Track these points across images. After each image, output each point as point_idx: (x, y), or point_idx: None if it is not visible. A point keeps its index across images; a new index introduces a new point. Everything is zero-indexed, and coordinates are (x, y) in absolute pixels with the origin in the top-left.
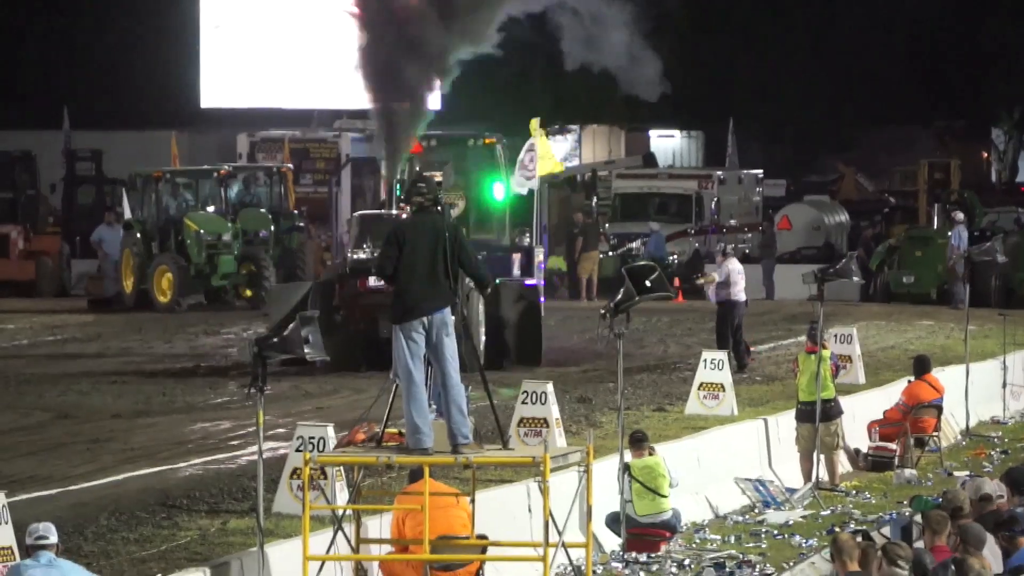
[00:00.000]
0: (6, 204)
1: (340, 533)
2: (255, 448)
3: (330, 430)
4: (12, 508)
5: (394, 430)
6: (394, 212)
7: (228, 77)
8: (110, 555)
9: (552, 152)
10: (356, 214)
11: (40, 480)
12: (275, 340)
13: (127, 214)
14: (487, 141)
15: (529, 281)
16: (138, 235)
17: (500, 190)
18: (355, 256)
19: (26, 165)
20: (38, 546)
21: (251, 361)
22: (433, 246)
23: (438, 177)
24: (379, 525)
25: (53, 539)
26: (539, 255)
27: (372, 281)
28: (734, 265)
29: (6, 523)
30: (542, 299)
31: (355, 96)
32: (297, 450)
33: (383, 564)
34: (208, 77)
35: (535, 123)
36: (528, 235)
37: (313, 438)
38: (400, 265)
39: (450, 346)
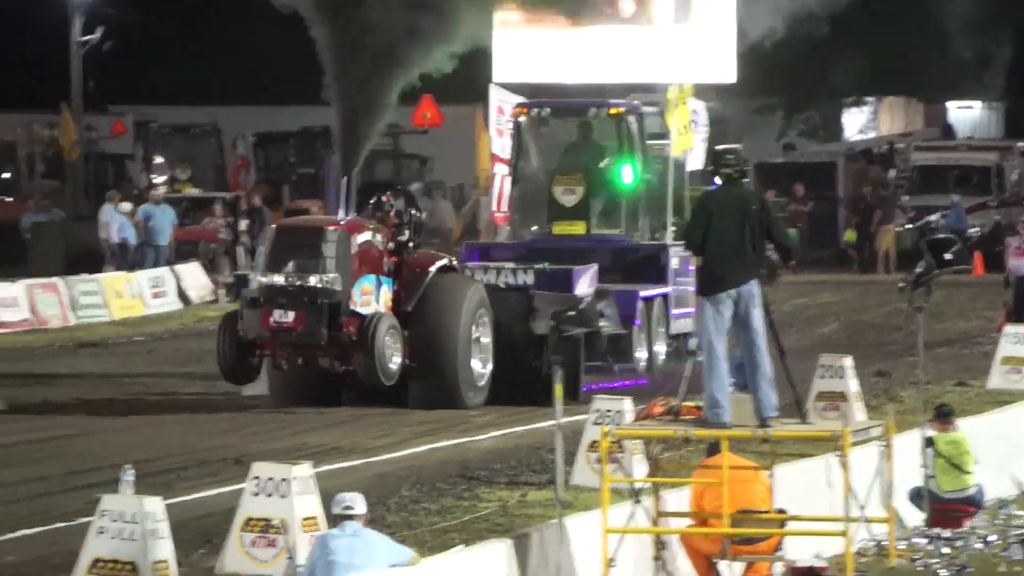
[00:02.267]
0: (308, 179)
1: (639, 506)
2: (553, 421)
3: (627, 403)
4: (317, 478)
5: (691, 403)
6: (338, 217)
7: (518, 51)
8: (412, 526)
9: (688, 126)
10: (275, 224)
11: (343, 452)
12: (573, 314)
13: None
14: (613, 111)
15: (649, 291)
16: None
17: (628, 173)
18: (263, 279)
19: (327, 140)
20: (345, 516)
21: (548, 335)
22: (741, 218)
23: (740, 146)
24: (677, 499)
25: (360, 509)
26: (673, 258)
27: (278, 315)
28: None
29: (312, 493)
30: (636, 322)
31: (645, 69)
32: (595, 423)
33: (683, 537)
34: (500, 52)
35: (677, 90)
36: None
37: (610, 411)
38: (708, 237)
39: (757, 318)
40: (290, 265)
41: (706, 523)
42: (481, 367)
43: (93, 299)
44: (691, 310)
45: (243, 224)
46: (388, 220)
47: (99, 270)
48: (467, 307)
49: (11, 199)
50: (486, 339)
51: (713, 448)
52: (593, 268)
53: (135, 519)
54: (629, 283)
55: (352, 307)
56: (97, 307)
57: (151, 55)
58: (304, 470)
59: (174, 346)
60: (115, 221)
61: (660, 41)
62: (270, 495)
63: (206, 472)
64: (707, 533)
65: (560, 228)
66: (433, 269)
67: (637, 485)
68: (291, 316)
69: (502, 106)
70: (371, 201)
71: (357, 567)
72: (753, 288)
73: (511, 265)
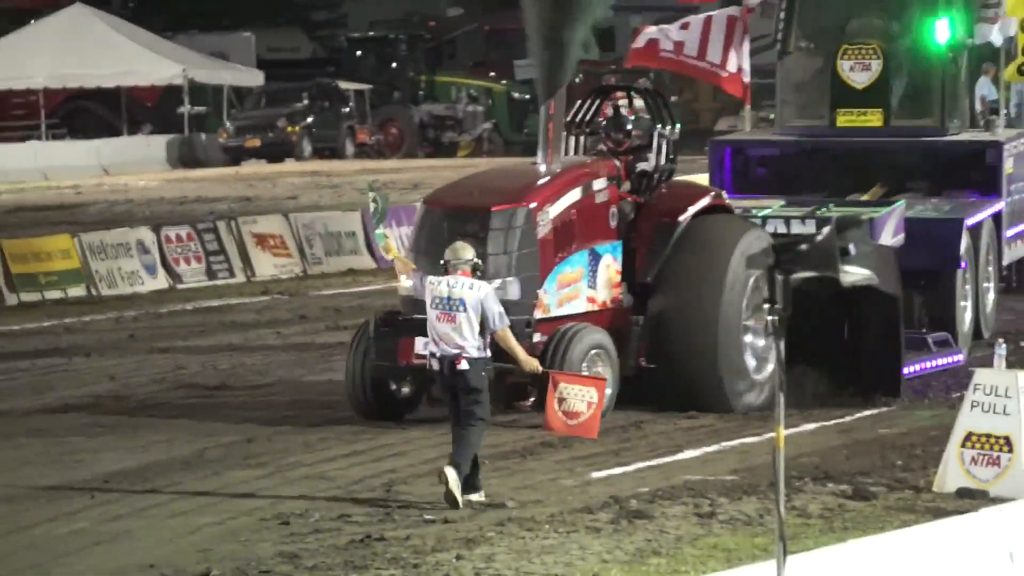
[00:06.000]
0: None
1: None
2: None
3: None
4: None
5: None
6: (533, 174)
7: None
8: None
9: None
10: (422, 201)
11: None
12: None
13: None
14: None
15: (978, 215)
16: None
17: (944, 31)
18: (403, 286)
19: None
20: None
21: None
22: None
23: None
24: None
25: None
26: (1008, 158)
27: (422, 345)
28: None
29: None
30: (963, 264)
31: None
32: None
33: None
34: None
35: None
36: (997, 119)
37: None
38: None
39: None
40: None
41: None
42: (755, 360)
43: None
44: None
45: None
46: (627, 141)
47: None
48: (736, 269)
49: None
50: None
51: None
52: (899, 208)
53: (1009, 393)
54: (944, 196)
55: (542, 315)
56: None
57: None
58: None
59: None
60: None
61: None
62: None
63: None
64: None
65: (848, 118)
66: (686, 216)
67: None
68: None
69: None
70: (602, 115)
71: None
72: None
73: (768, 209)
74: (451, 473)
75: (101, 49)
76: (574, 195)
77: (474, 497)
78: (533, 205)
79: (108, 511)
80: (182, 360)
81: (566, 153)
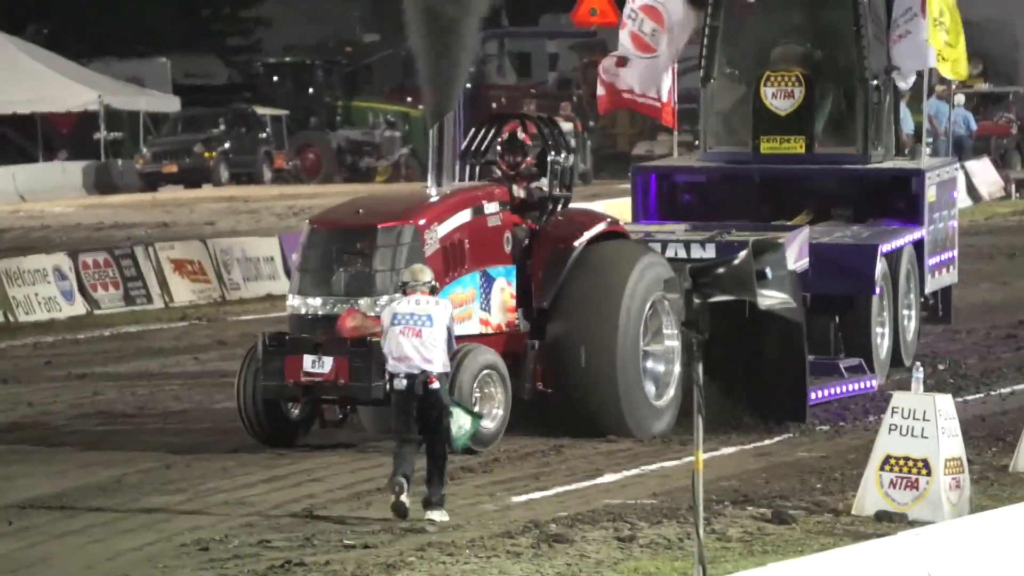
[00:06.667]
0: None
1: None
2: None
3: None
4: None
5: None
6: (422, 197)
7: None
8: None
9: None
10: (309, 221)
11: None
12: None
13: None
14: None
15: (895, 241)
16: None
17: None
18: (293, 304)
19: None
20: None
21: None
22: None
23: None
24: None
25: None
26: (931, 187)
27: (309, 363)
28: None
29: None
30: (877, 291)
31: None
32: None
33: None
34: None
35: None
36: (921, 147)
37: None
38: None
39: None
40: (332, 284)
41: None
42: (655, 387)
43: None
44: (952, 254)
45: None
46: (525, 168)
47: None
48: (633, 294)
49: None
50: (670, 341)
51: None
52: (803, 233)
53: (927, 417)
54: (866, 223)
55: None
56: None
57: None
58: None
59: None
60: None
61: None
62: None
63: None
64: None
65: (771, 145)
66: (581, 241)
67: None
68: (328, 365)
69: None
70: (499, 140)
71: None
72: None
73: (676, 232)
74: (436, 516)
75: (16, 75)
76: (464, 216)
77: (436, 516)
78: (420, 223)
79: (26, 537)
80: (100, 386)
81: (461, 180)
